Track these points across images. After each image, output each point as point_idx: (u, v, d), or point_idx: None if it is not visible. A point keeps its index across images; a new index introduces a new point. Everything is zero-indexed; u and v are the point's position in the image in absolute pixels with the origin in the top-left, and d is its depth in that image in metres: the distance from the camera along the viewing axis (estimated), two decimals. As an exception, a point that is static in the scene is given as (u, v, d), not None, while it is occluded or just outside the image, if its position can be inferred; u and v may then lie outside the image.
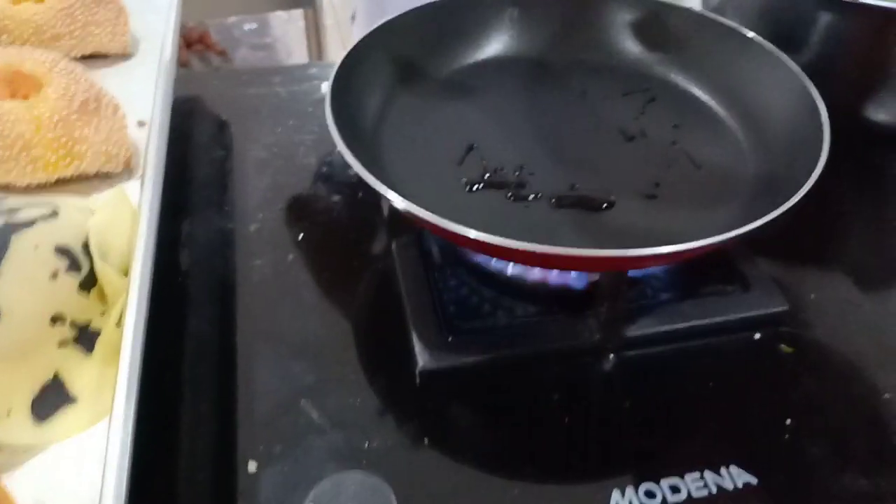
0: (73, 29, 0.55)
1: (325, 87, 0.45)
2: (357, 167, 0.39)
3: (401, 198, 0.37)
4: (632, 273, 0.43)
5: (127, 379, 0.29)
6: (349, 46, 0.87)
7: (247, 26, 1.98)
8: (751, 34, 0.49)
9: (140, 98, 0.53)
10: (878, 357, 0.42)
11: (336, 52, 1.82)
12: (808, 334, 0.43)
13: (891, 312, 0.45)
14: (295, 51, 1.94)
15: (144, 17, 0.60)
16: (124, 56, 0.57)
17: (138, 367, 0.30)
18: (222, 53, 1.91)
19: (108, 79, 0.54)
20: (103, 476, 0.26)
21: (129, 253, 0.39)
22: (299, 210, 0.52)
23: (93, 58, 0.57)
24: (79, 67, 0.49)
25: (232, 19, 1.88)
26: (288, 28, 1.97)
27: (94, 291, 0.37)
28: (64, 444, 0.33)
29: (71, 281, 0.36)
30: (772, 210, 0.36)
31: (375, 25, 0.49)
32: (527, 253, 0.35)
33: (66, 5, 0.55)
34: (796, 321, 0.43)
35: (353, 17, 0.87)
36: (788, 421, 0.39)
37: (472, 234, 0.35)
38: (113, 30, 0.57)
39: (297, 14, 1.77)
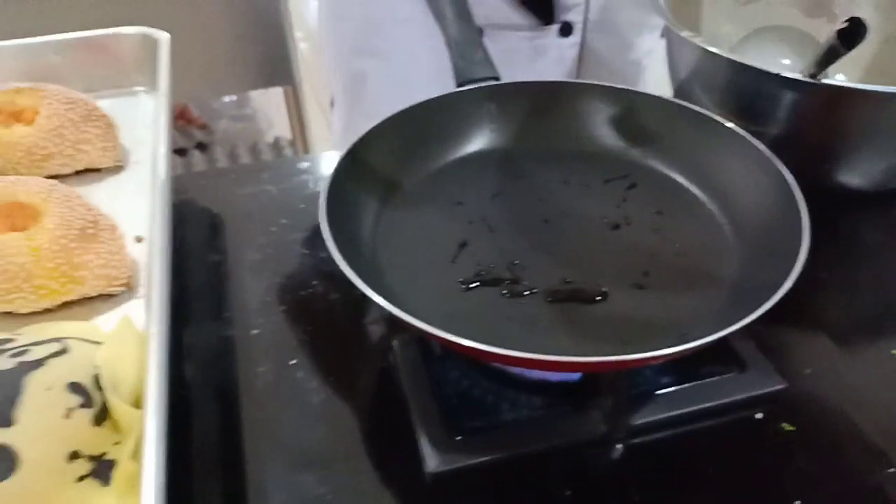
0: (64, 148, 0.57)
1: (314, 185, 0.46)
2: (356, 281, 0.40)
3: (398, 310, 0.38)
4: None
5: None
6: (335, 132, 0.89)
7: (227, 98, 2.00)
8: (720, 119, 0.51)
9: (135, 212, 0.54)
10: (878, 427, 0.43)
11: (317, 125, 1.85)
12: (807, 410, 0.44)
13: (883, 379, 0.47)
14: (276, 121, 1.97)
15: (132, 129, 0.62)
16: (116, 169, 0.59)
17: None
18: (204, 127, 1.94)
19: (102, 193, 0.55)
20: None
21: (138, 381, 0.40)
22: (298, 312, 0.53)
23: (85, 172, 0.58)
24: (74, 193, 0.50)
25: (211, 96, 1.91)
26: (268, 98, 2.00)
27: (106, 423, 0.37)
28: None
29: (85, 417, 0.36)
30: (764, 293, 0.37)
31: (356, 137, 0.50)
32: (528, 361, 0.37)
33: (55, 125, 0.57)
34: (795, 398, 0.45)
35: (331, 103, 0.89)
36: (798, 502, 0.39)
37: (471, 345, 0.36)
38: (103, 145, 0.58)
39: (277, 90, 1.80)
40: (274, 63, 1.39)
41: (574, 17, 0.75)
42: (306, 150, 1.44)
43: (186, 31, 0.64)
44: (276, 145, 1.87)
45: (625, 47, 0.79)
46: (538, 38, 0.75)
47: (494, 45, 0.60)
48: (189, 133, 1.93)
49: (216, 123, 1.93)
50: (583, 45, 0.77)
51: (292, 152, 1.58)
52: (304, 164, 0.69)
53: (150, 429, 0.33)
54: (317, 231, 0.59)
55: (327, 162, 0.68)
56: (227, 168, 0.86)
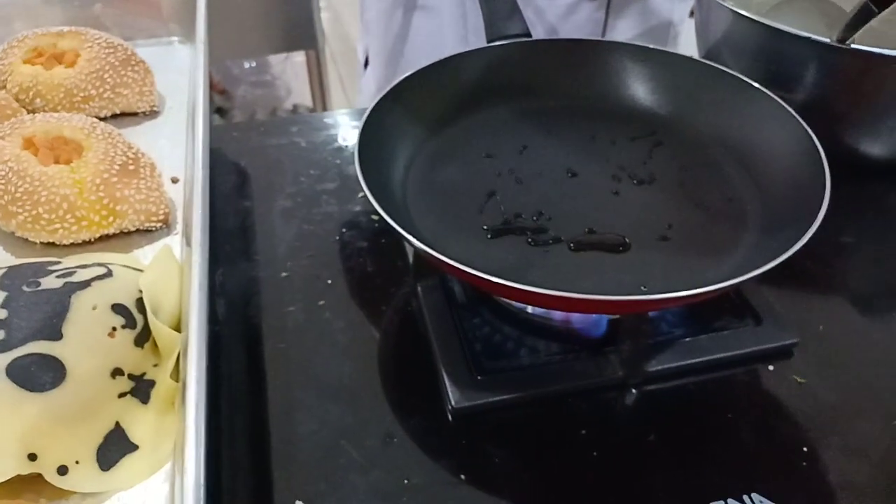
0: (103, 91, 0.58)
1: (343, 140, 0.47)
2: (388, 219, 0.41)
3: (432, 250, 0.39)
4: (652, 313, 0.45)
5: (195, 428, 0.31)
6: (365, 92, 0.90)
7: (246, 64, 2.01)
8: (748, 80, 0.52)
9: (170, 155, 0.55)
10: (889, 384, 0.45)
11: (337, 92, 1.86)
12: (818, 364, 0.45)
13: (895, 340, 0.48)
14: (294, 88, 1.97)
15: (168, 76, 0.64)
16: (152, 114, 0.60)
17: (204, 418, 0.32)
18: (223, 92, 1.95)
19: (137, 137, 0.56)
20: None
21: (177, 307, 0.41)
22: (326, 257, 0.54)
23: (121, 116, 0.60)
24: (115, 131, 0.51)
25: (230, 60, 1.91)
26: (286, 66, 2.01)
27: (147, 345, 0.39)
28: (129, 491, 0.35)
29: (127, 337, 0.38)
30: (782, 249, 0.38)
31: (398, 79, 0.52)
32: (551, 298, 0.38)
33: (95, 69, 0.58)
34: (807, 352, 0.46)
35: (365, 64, 0.90)
36: (805, 448, 0.41)
37: (500, 282, 0.38)
38: (140, 90, 0.59)
39: (296, 58, 1.81)
40: (299, 27, 1.40)
41: None
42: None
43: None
44: (295, 111, 1.88)
45: (651, 13, 0.79)
46: None
47: (522, 4, 0.60)
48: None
49: (235, 89, 1.94)
50: (608, 8, 0.77)
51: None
52: (333, 120, 0.71)
53: (191, 348, 0.35)
54: (345, 182, 0.62)
55: (358, 117, 0.69)
56: (258, 121, 0.86)
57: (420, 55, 0.81)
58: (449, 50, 0.55)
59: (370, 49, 0.88)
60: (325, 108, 1.58)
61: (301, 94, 1.95)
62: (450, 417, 0.43)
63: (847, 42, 0.51)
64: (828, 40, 0.52)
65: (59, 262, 0.41)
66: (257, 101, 1.99)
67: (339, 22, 2.45)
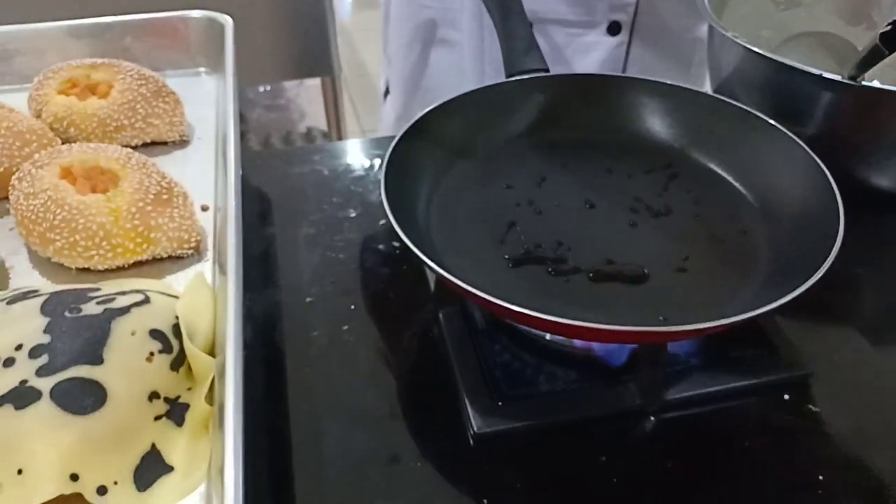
0: (135, 121, 0.60)
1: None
2: (412, 247, 0.43)
3: (455, 278, 0.41)
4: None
5: (234, 451, 0.32)
6: (385, 121, 0.92)
7: (261, 88, 2.04)
8: (761, 115, 0.54)
9: (199, 183, 0.57)
10: (901, 414, 0.46)
11: (350, 118, 1.89)
12: (833, 394, 0.46)
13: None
14: (308, 112, 2.00)
15: (195, 106, 0.66)
16: (181, 143, 0.62)
17: (242, 441, 0.33)
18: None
19: (167, 165, 0.58)
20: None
21: (211, 332, 0.43)
22: (350, 284, 0.56)
23: (152, 145, 0.62)
24: (149, 161, 0.53)
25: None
26: (300, 91, 2.04)
27: (182, 369, 0.41)
28: (165, 513, 0.36)
29: (164, 361, 0.39)
30: (797, 282, 0.40)
31: (421, 112, 0.53)
32: (572, 328, 0.39)
33: (128, 100, 0.60)
34: (821, 381, 0.47)
35: (385, 93, 0.92)
36: (821, 477, 0.42)
37: (522, 311, 0.39)
38: (171, 120, 0.62)
39: (311, 82, 1.84)
40: (316, 54, 1.42)
41: (623, 16, 0.77)
42: (340, 139, 1.47)
43: (237, 19, 0.67)
44: (309, 135, 1.91)
45: (672, 51, 0.81)
46: (585, 35, 0.77)
47: (541, 40, 0.62)
48: (224, 121, 1.96)
49: (250, 113, 1.97)
50: (629, 46, 0.79)
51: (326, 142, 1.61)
52: (355, 149, 0.72)
53: (228, 372, 0.36)
54: (367, 210, 0.63)
55: (379, 146, 0.71)
56: (280, 149, 0.89)
57: (438, 88, 0.83)
58: (468, 83, 0.58)
59: (391, 80, 0.90)
60: (339, 133, 1.60)
61: (315, 117, 1.98)
62: (471, 442, 0.44)
63: (858, 79, 0.53)
64: (839, 77, 0.53)
65: (99, 289, 0.42)
66: (271, 124, 2.02)
67: (352, 49, 2.50)
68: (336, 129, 1.63)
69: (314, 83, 1.76)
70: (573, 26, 0.77)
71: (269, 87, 2.08)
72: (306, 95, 2.04)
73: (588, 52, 0.77)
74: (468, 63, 0.80)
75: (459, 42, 0.81)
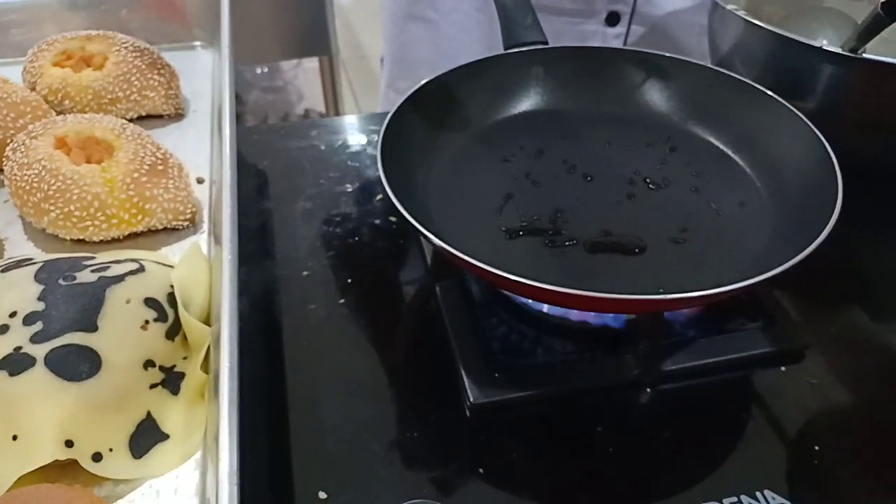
0: (130, 93, 0.60)
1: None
2: (410, 219, 0.42)
3: (455, 249, 0.40)
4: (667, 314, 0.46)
5: (228, 420, 0.32)
6: (380, 92, 0.92)
7: (258, 69, 2.03)
8: (762, 88, 0.53)
9: (194, 156, 0.57)
10: (897, 386, 0.46)
11: (348, 99, 1.88)
12: (830, 366, 0.46)
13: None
14: (306, 94, 1.99)
15: (191, 80, 0.65)
16: (177, 116, 0.62)
17: (237, 408, 0.33)
18: (235, 97, 1.96)
19: (163, 138, 0.58)
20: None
21: (206, 302, 0.43)
22: (347, 257, 0.55)
23: (147, 118, 0.61)
24: (144, 132, 0.53)
25: (243, 66, 1.93)
26: (298, 72, 2.03)
27: (177, 338, 0.40)
28: (160, 479, 0.36)
29: (159, 330, 0.39)
30: (795, 253, 0.39)
31: (418, 84, 0.53)
32: (570, 297, 0.39)
33: (123, 72, 0.59)
34: (819, 354, 0.47)
35: (381, 63, 0.92)
36: (817, 447, 0.42)
37: (520, 280, 0.39)
38: (166, 92, 0.61)
39: (309, 64, 1.83)
40: (313, 33, 1.42)
41: (622, 6, 0.76)
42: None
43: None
44: (306, 117, 1.90)
45: (670, 43, 0.80)
46: (584, 24, 0.77)
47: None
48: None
49: (247, 94, 1.96)
50: (627, 36, 0.79)
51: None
52: (352, 124, 0.72)
53: (223, 340, 0.36)
54: (364, 185, 0.63)
55: (376, 122, 0.71)
56: (277, 125, 0.88)
57: (416, 62, 0.83)
58: (444, 62, 0.57)
59: (384, 51, 0.90)
60: (337, 114, 1.59)
61: (312, 99, 1.97)
62: (468, 413, 0.44)
63: (858, 52, 0.52)
64: (839, 50, 0.53)
65: (93, 258, 0.42)
66: (269, 105, 2.01)
67: (349, 30, 2.48)
68: (334, 111, 1.63)
69: (312, 65, 1.75)
70: (572, 15, 0.76)
71: (266, 69, 2.07)
72: (304, 77, 2.03)
73: (586, 42, 0.77)
74: (444, 43, 0.79)
75: (436, 21, 0.80)
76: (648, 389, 0.45)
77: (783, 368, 0.46)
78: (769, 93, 0.53)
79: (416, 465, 0.41)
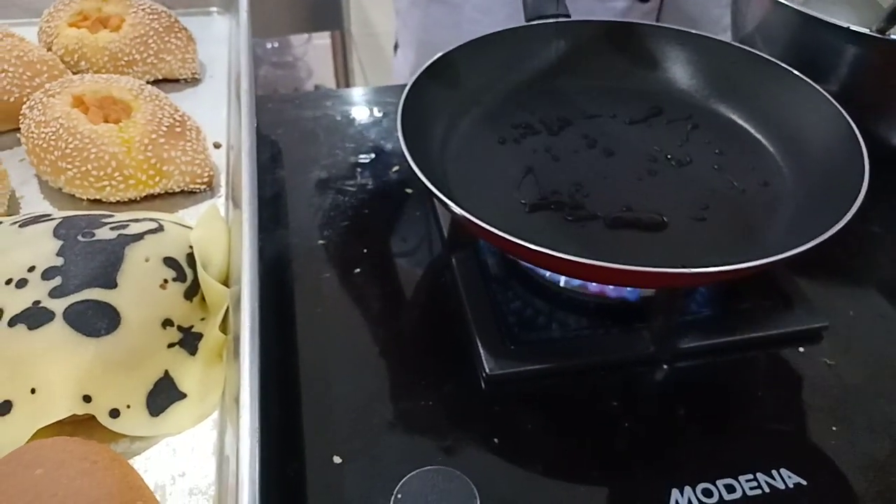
0: (147, 56, 0.59)
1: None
2: (430, 186, 0.42)
3: (478, 219, 0.40)
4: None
5: (249, 379, 0.32)
6: (396, 74, 0.91)
7: (268, 45, 2.02)
8: (787, 66, 0.53)
9: (211, 121, 0.56)
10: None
11: (358, 75, 1.86)
12: (848, 348, 0.46)
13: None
14: (316, 70, 1.98)
15: (207, 46, 0.64)
16: (193, 81, 0.61)
17: (258, 366, 0.33)
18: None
19: (179, 102, 0.57)
20: (237, 469, 0.29)
21: (225, 264, 0.42)
22: (362, 227, 0.55)
23: (163, 82, 0.61)
24: (161, 94, 0.52)
25: (255, 39, 1.92)
26: (308, 48, 2.02)
27: (195, 299, 0.40)
28: (177, 437, 0.36)
29: (178, 289, 0.39)
30: (816, 233, 0.39)
31: (438, 55, 0.52)
32: (590, 268, 0.39)
33: (139, 34, 0.59)
34: (837, 336, 0.47)
35: (395, 47, 0.91)
36: (834, 427, 0.42)
37: (544, 251, 0.38)
38: (183, 56, 0.60)
39: (318, 34, 1.81)
40: (325, 7, 1.40)
41: None
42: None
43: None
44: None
45: (703, 20, 0.79)
46: (615, 0, 0.76)
47: (571, 5, 0.60)
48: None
49: (258, 69, 1.95)
50: (660, 13, 0.77)
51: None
52: (369, 95, 0.71)
53: (244, 300, 0.36)
54: (380, 156, 0.62)
55: (392, 94, 0.70)
56: (292, 94, 0.87)
57: (441, 44, 0.82)
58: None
59: (400, 35, 0.89)
60: (347, 86, 1.59)
61: (322, 75, 1.95)
62: (483, 385, 0.44)
63: (886, 33, 0.51)
64: (867, 30, 0.52)
65: (111, 216, 0.42)
66: (279, 81, 2.00)
67: (361, 8, 2.46)
68: (345, 84, 1.62)
69: (323, 42, 1.74)
70: None
71: (276, 44, 2.05)
72: (314, 53, 2.02)
73: (617, 18, 0.75)
74: (467, 26, 0.78)
75: (459, 4, 0.79)
76: (665, 366, 0.45)
77: (801, 349, 0.46)
78: (794, 71, 0.52)
79: (430, 434, 0.41)
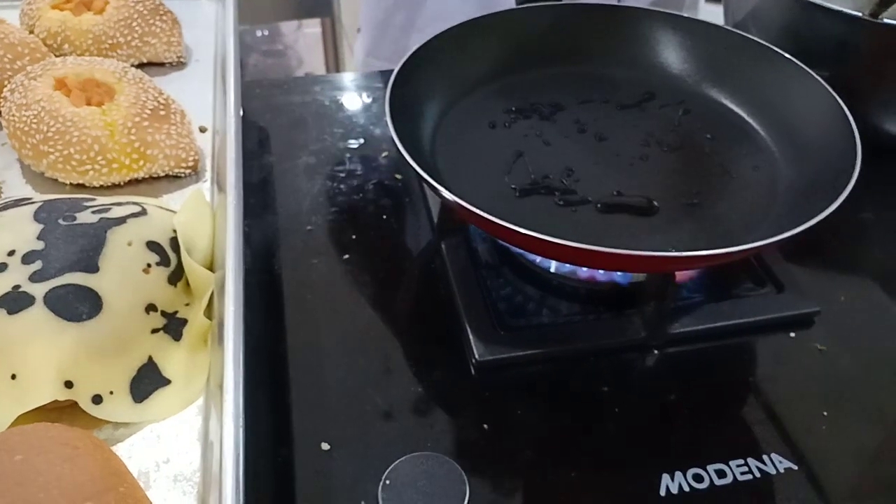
0: (131, 39, 0.58)
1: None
2: (420, 171, 0.41)
3: (469, 204, 0.39)
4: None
5: (233, 364, 0.31)
6: (356, 57, 0.90)
7: (258, 33, 2.00)
8: (779, 50, 0.52)
9: (197, 105, 0.55)
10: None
11: (349, 63, 1.85)
12: (839, 333, 0.46)
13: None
14: (306, 59, 1.97)
15: (193, 30, 0.63)
16: (178, 65, 0.60)
17: (241, 350, 0.32)
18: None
19: (164, 86, 0.56)
20: (220, 455, 0.29)
21: (209, 248, 0.42)
22: (351, 213, 0.54)
23: (149, 66, 0.60)
24: (146, 77, 0.51)
25: (244, 26, 1.90)
26: (298, 36, 2.00)
27: (179, 284, 0.39)
28: (161, 423, 0.35)
29: (161, 274, 0.38)
30: (807, 218, 0.39)
31: (427, 38, 0.52)
32: (581, 252, 0.38)
33: (124, 16, 0.58)
34: (828, 322, 0.46)
35: (358, 30, 0.90)
36: (825, 413, 0.41)
37: (534, 234, 0.38)
38: (168, 40, 0.59)
39: (309, 22, 1.80)
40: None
41: None
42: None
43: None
44: (307, 81, 1.87)
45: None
46: None
47: None
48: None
49: (247, 57, 1.93)
50: None
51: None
52: (358, 80, 0.70)
53: (228, 285, 0.35)
54: (369, 142, 0.62)
55: (382, 78, 0.69)
56: (280, 79, 0.86)
57: (407, 26, 0.81)
58: (452, 18, 0.55)
59: (362, 18, 0.88)
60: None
61: (312, 64, 1.94)
62: (472, 371, 0.44)
63: (879, 17, 0.51)
64: (859, 14, 0.52)
65: (93, 199, 0.41)
66: (269, 69, 1.98)
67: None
68: (335, 71, 1.61)
69: (313, 30, 1.73)
70: None
71: (266, 32, 2.04)
72: (304, 42, 2.00)
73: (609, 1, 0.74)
74: (431, 4, 0.77)
75: None
76: (656, 351, 0.45)
77: (792, 334, 0.46)
78: (786, 55, 0.52)
79: (420, 420, 0.41)
